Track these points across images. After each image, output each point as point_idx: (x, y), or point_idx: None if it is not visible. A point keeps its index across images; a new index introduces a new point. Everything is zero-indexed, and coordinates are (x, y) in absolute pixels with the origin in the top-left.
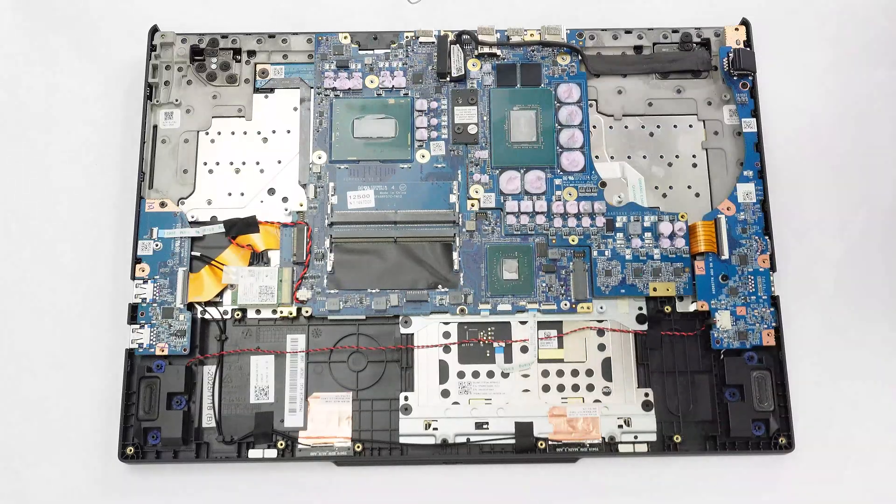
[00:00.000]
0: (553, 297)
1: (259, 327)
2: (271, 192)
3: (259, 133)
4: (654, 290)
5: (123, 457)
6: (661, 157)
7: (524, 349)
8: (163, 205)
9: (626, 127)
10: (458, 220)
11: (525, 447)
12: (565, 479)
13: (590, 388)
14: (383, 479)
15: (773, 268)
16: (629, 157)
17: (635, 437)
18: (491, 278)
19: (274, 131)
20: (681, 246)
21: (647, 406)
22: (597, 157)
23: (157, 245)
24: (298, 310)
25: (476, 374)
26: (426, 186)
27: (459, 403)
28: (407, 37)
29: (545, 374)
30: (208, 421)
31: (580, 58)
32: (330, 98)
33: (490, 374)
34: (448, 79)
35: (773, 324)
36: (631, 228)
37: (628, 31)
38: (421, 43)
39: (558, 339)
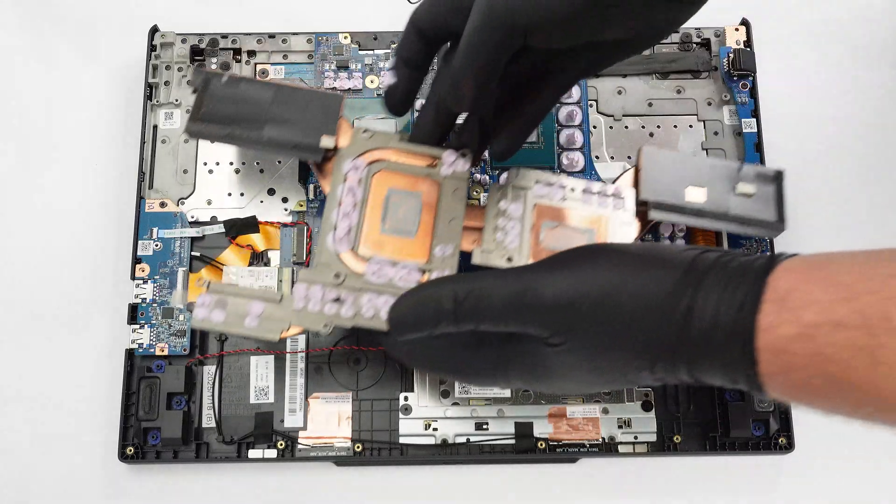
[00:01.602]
0: None
1: None
2: (271, 192)
3: None
4: None
5: (123, 457)
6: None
7: None
8: (163, 205)
9: (626, 127)
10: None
11: (525, 447)
12: (565, 479)
13: None
14: (383, 479)
15: None
16: (629, 158)
17: (635, 438)
18: None
19: None
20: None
21: (647, 406)
22: (597, 157)
23: (157, 245)
24: None
25: None
26: None
27: (459, 404)
28: None
29: None
30: (208, 421)
31: None
32: None
33: None
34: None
35: None
36: None
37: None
38: None
39: None
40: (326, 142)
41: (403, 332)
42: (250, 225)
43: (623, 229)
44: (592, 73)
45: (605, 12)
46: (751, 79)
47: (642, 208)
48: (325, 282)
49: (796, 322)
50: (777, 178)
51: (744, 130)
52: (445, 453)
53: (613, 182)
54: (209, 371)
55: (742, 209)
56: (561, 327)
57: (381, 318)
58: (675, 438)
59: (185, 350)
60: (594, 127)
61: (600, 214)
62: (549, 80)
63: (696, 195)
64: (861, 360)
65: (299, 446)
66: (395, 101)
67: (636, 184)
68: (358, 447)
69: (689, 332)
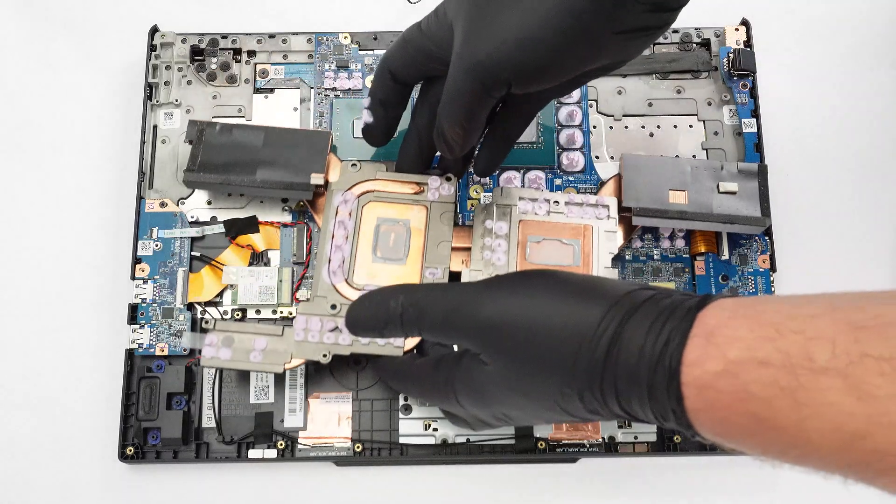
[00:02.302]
0: None
1: None
2: None
3: None
4: None
5: (123, 457)
6: (661, 157)
7: None
8: (163, 205)
9: (626, 127)
10: (458, 221)
11: (525, 447)
12: (565, 479)
13: None
14: (383, 479)
15: (773, 268)
16: None
17: (635, 438)
18: None
19: None
20: (681, 246)
21: None
22: (597, 157)
23: (157, 245)
24: None
25: None
26: None
27: None
28: None
29: None
30: (208, 421)
31: None
32: (330, 98)
33: None
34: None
35: None
36: None
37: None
38: None
39: None
40: (316, 179)
41: (356, 330)
42: (250, 225)
43: (608, 237)
44: (564, 94)
45: (583, 55)
46: (751, 79)
47: (626, 214)
48: (323, 313)
49: (721, 358)
50: (760, 172)
51: (744, 130)
52: (445, 453)
53: (596, 192)
54: (209, 371)
55: (725, 207)
56: (490, 346)
57: (378, 344)
58: (675, 438)
59: (185, 350)
60: (594, 127)
61: (585, 225)
62: (523, 104)
63: (678, 198)
64: (784, 401)
65: (299, 446)
66: (374, 138)
67: (619, 191)
68: (358, 447)
69: (615, 363)
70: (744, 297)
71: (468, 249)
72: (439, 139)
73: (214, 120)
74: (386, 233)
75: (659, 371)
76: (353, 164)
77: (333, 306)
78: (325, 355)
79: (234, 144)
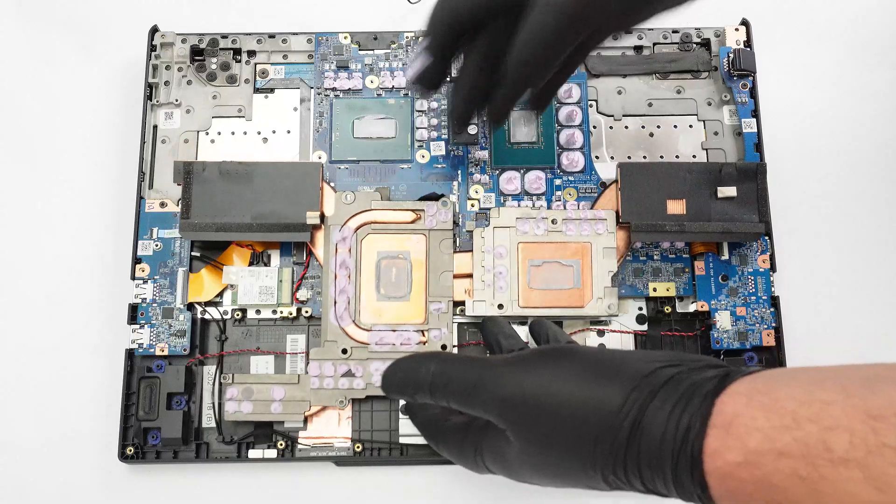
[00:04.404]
0: None
1: (259, 327)
2: None
3: (259, 133)
4: (654, 290)
5: (123, 457)
6: (662, 157)
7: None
8: (163, 205)
9: (626, 127)
10: (459, 221)
11: None
12: None
13: None
14: (383, 479)
15: (773, 268)
16: (629, 158)
17: None
18: None
19: (274, 131)
20: (681, 246)
21: None
22: (597, 157)
23: (157, 245)
24: (298, 310)
25: None
26: (426, 186)
27: None
28: (407, 37)
29: None
30: (208, 421)
31: None
32: (330, 98)
33: None
34: (448, 79)
35: (773, 324)
36: None
37: (628, 32)
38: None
39: None
40: (312, 218)
41: (390, 394)
42: None
43: (607, 254)
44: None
45: None
46: (751, 79)
47: (625, 225)
48: (335, 358)
49: (741, 449)
50: (759, 172)
51: (744, 130)
52: None
53: (592, 206)
54: (209, 371)
55: (723, 213)
56: (511, 425)
57: None
58: None
59: (185, 350)
60: (594, 127)
61: (583, 243)
62: (587, 40)
63: (676, 207)
64: (804, 490)
65: (299, 446)
66: (430, 81)
67: (617, 202)
68: (358, 447)
69: (638, 449)
70: (758, 373)
71: (470, 276)
72: (517, 69)
73: (200, 160)
74: (387, 268)
75: (682, 459)
76: (347, 196)
77: (344, 350)
78: (341, 401)
79: (224, 185)
